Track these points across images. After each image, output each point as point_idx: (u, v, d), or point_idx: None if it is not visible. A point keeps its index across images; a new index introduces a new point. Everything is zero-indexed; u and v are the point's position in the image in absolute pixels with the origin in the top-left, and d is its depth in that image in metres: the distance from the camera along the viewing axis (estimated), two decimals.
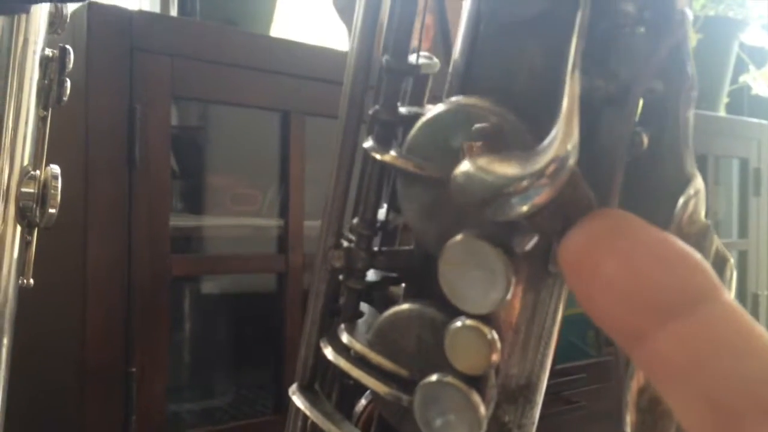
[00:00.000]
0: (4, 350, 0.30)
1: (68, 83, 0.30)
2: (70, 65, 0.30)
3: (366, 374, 0.18)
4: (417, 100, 0.20)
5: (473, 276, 0.16)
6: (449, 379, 0.17)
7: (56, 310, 0.75)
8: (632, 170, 0.16)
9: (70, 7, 0.30)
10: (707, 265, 0.13)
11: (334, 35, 1.16)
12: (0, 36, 0.27)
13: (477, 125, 0.16)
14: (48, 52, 0.29)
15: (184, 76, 0.77)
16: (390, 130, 0.19)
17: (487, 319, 0.17)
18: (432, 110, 0.17)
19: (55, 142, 0.31)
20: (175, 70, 0.77)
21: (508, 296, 0.16)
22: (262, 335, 0.95)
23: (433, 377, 0.17)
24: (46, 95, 0.30)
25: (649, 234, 0.13)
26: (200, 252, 0.98)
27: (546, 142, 0.14)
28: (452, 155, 0.16)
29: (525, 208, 0.14)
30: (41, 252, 0.32)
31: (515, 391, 0.19)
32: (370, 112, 0.19)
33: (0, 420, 0.31)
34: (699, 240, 0.16)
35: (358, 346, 0.19)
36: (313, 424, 0.21)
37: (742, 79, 1.56)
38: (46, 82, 0.29)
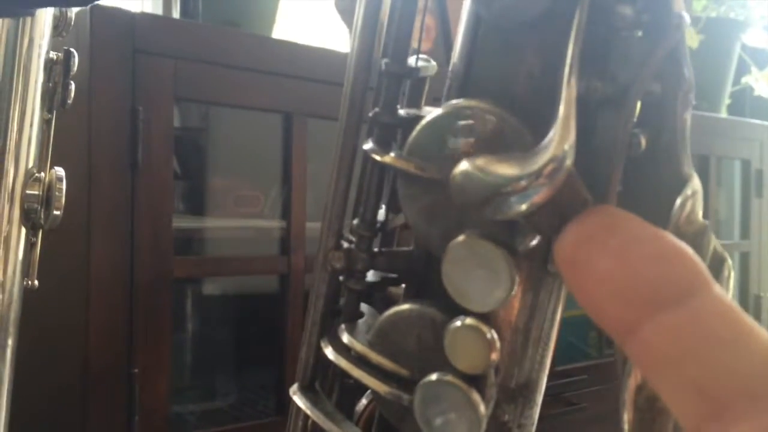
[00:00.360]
0: (9, 351, 0.31)
1: (73, 86, 0.30)
2: (75, 68, 0.30)
3: (366, 374, 0.19)
4: (415, 102, 0.20)
5: (477, 275, 0.16)
6: (449, 378, 0.17)
7: (59, 311, 0.75)
8: (630, 171, 0.16)
9: (75, 10, 0.30)
10: (698, 259, 0.13)
11: (335, 37, 1.16)
12: (5, 39, 0.28)
13: (461, 122, 0.16)
14: (53, 55, 0.30)
15: (186, 78, 0.78)
16: (390, 132, 0.19)
17: (486, 318, 0.17)
18: (432, 112, 0.17)
19: (57, 143, 0.32)
20: (177, 72, 0.77)
21: (512, 294, 0.16)
22: (265, 336, 0.96)
23: (433, 376, 0.17)
24: (51, 98, 0.30)
25: (640, 229, 0.14)
26: (202, 253, 0.98)
27: (543, 142, 0.14)
28: (451, 156, 0.17)
29: (524, 207, 0.14)
30: (44, 253, 0.32)
31: (515, 390, 0.19)
32: (370, 114, 0.19)
33: (6, 419, 0.31)
34: (696, 240, 0.16)
35: (358, 346, 0.19)
36: (314, 423, 0.21)
37: (744, 80, 1.56)
38: (50, 85, 0.30)
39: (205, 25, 0.90)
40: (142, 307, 0.75)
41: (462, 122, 0.16)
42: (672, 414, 0.14)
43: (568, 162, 0.14)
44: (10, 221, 0.29)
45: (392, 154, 0.18)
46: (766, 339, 0.12)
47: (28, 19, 0.28)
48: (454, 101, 0.17)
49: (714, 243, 0.16)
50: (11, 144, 0.29)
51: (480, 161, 0.15)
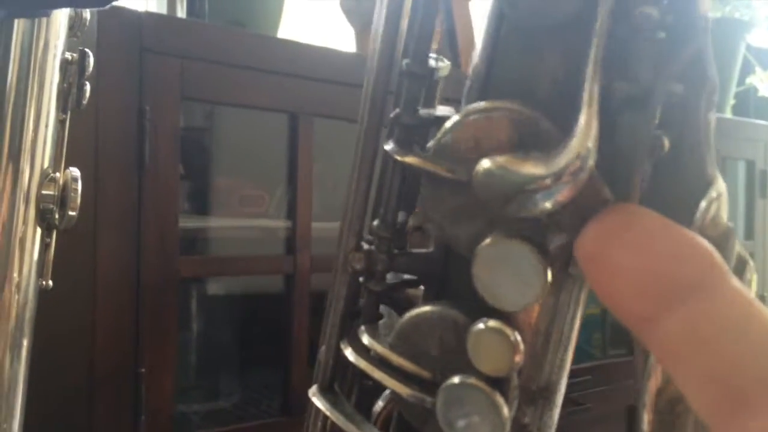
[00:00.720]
0: (24, 350, 0.31)
1: (88, 87, 0.30)
2: (90, 69, 0.30)
3: (388, 376, 0.19)
4: (429, 103, 0.20)
5: (509, 275, 0.16)
6: (472, 380, 0.17)
7: (66, 311, 0.75)
8: (654, 173, 0.16)
9: (90, 11, 0.30)
10: (715, 252, 0.13)
11: (341, 37, 1.16)
12: (21, 39, 0.28)
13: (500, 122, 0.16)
14: (68, 55, 0.30)
15: (193, 78, 0.78)
16: (411, 133, 0.19)
17: (509, 320, 0.17)
18: (462, 112, 0.17)
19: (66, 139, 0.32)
20: (184, 72, 0.77)
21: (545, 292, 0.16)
22: (270, 336, 0.96)
23: (456, 379, 0.17)
24: (66, 98, 0.30)
25: (657, 223, 0.14)
26: (208, 253, 0.98)
27: (566, 142, 0.15)
28: (479, 157, 0.17)
29: (548, 205, 0.14)
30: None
31: (535, 393, 0.19)
32: (391, 115, 0.19)
33: (21, 418, 0.31)
34: (721, 243, 0.16)
35: (379, 348, 0.19)
36: (333, 425, 0.21)
37: (748, 80, 1.56)
38: (65, 85, 0.30)
39: (211, 25, 0.90)
40: (149, 306, 0.75)
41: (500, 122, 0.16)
42: (692, 410, 0.14)
43: (591, 161, 0.14)
44: (25, 221, 0.29)
45: (418, 155, 0.18)
46: None
47: (44, 20, 0.28)
48: (482, 103, 0.17)
49: (738, 246, 0.16)
50: (27, 144, 0.29)
51: (502, 159, 0.15)
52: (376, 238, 0.20)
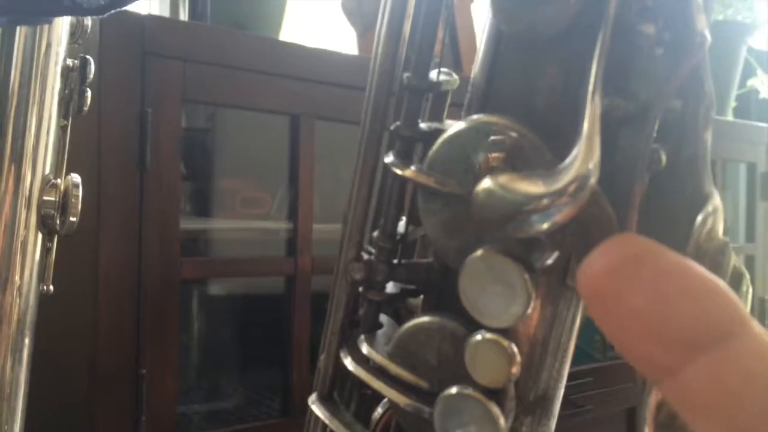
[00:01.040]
0: (26, 353, 0.31)
1: (89, 93, 0.30)
2: (91, 75, 0.30)
3: (386, 385, 0.19)
4: (436, 115, 0.21)
5: (494, 290, 0.16)
6: (469, 391, 0.17)
7: (68, 313, 0.75)
8: (651, 187, 0.16)
9: (91, 18, 0.30)
10: (735, 297, 0.13)
11: (343, 39, 1.16)
12: (23, 46, 0.28)
13: (492, 137, 0.16)
14: (69, 62, 0.30)
15: (194, 80, 0.78)
16: (411, 146, 0.19)
17: (506, 332, 0.17)
18: (453, 127, 0.17)
19: (68, 146, 0.32)
20: (186, 74, 0.77)
21: (529, 310, 0.16)
22: (271, 338, 0.96)
23: (453, 389, 0.17)
24: (67, 105, 0.30)
25: (672, 262, 0.13)
26: (209, 255, 0.98)
27: (567, 161, 0.15)
28: (472, 172, 0.17)
29: (546, 226, 0.14)
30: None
31: (533, 402, 0.19)
32: (391, 127, 0.20)
33: (22, 421, 0.31)
34: (717, 257, 0.16)
35: (378, 358, 0.19)
36: None
37: (750, 83, 1.56)
38: (66, 91, 0.30)
39: (214, 27, 0.90)
40: (150, 308, 0.76)
41: (493, 137, 0.16)
42: None
43: (593, 180, 0.14)
44: (27, 227, 0.29)
45: (412, 168, 0.18)
46: None
47: (45, 27, 0.29)
48: (475, 116, 0.17)
49: (734, 260, 0.16)
50: (28, 150, 0.29)
51: (503, 178, 0.15)
52: (376, 248, 0.20)
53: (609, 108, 0.16)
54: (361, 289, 0.21)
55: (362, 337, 0.20)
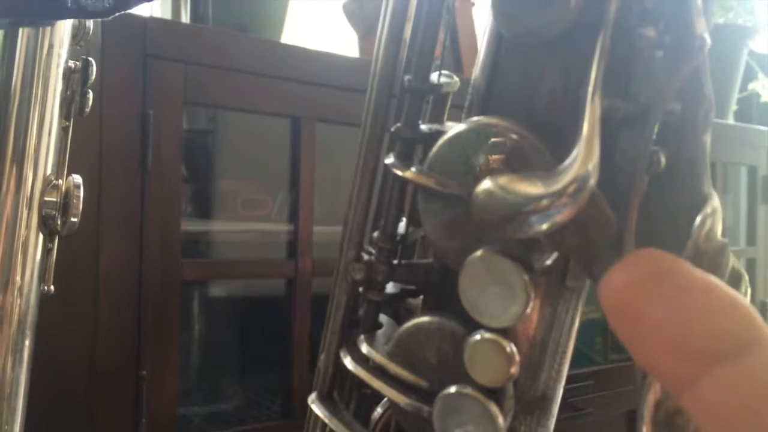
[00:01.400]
0: (26, 353, 0.31)
1: (90, 95, 0.30)
2: (93, 77, 0.30)
3: (386, 385, 0.19)
4: (437, 117, 0.21)
5: (493, 291, 0.16)
6: (468, 390, 0.17)
7: (68, 313, 0.76)
8: (650, 189, 0.16)
9: (93, 20, 0.30)
10: (753, 310, 0.13)
11: (344, 41, 1.16)
12: (25, 47, 0.28)
13: (493, 139, 0.17)
14: (71, 63, 0.30)
15: (196, 83, 0.78)
16: (411, 147, 0.19)
17: (505, 332, 0.17)
18: (453, 129, 0.17)
19: (69, 147, 0.32)
20: (187, 77, 0.77)
21: (528, 311, 0.16)
22: (271, 339, 0.96)
23: (452, 389, 0.18)
24: (69, 106, 0.30)
25: (693, 278, 0.13)
26: (210, 256, 0.99)
27: (567, 162, 0.15)
28: (472, 173, 0.17)
29: (545, 227, 0.15)
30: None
31: (532, 402, 0.19)
32: (392, 129, 0.20)
33: (22, 421, 0.31)
34: (715, 258, 0.16)
35: (377, 357, 0.19)
36: None
37: (751, 86, 1.56)
38: (68, 93, 0.30)
39: (215, 30, 0.90)
40: (151, 309, 0.76)
41: (494, 139, 0.16)
42: None
43: (592, 182, 0.14)
44: (28, 227, 0.29)
45: (413, 169, 0.18)
46: None
47: (48, 29, 0.29)
48: (475, 118, 0.17)
49: (732, 261, 0.16)
50: (30, 151, 0.29)
51: (503, 180, 0.15)
52: (377, 249, 0.20)
53: (609, 110, 0.16)
54: (361, 289, 0.21)
55: (362, 336, 0.20)
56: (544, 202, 0.14)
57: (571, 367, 0.20)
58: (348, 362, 0.20)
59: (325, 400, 0.21)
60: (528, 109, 0.17)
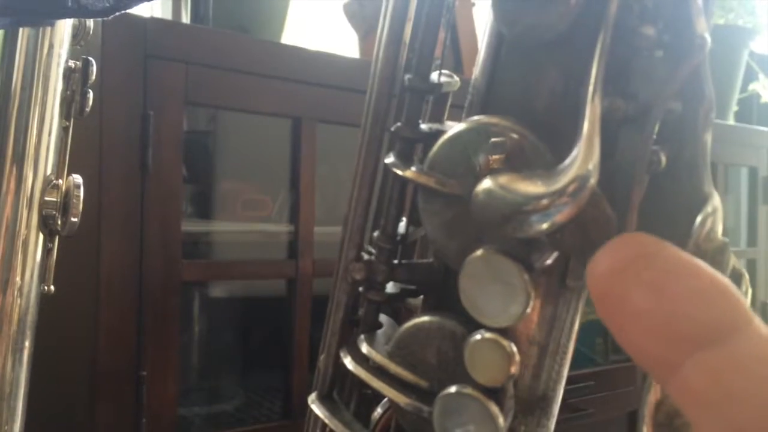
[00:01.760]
0: (26, 353, 0.31)
1: (91, 94, 0.30)
2: (93, 77, 0.30)
3: (386, 384, 0.19)
4: (437, 117, 0.21)
5: (493, 290, 0.16)
6: (468, 390, 0.17)
7: (69, 314, 0.76)
8: (650, 188, 0.16)
9: (93, 20, 0.30)
10: (739, 294, 0.13)
11: (344, 42, 1.16)
12: (25, 47, 0.28)
13: (493, 139, 0.17)
14: (71, 63, 0.30)
15: (196, 83, 0.78)
16: (411, 147, 0.19)
17: (506, 332, 0.17)
18: (453, 128, 0.17)
19: (70, 147, 0.32)
20: (188, 77, 0.77)
21: (528, 310, 0.16)
22: (271, 340, 0.96)
23: (453, 388, 0.17)
24: (69, 106, 0.30)
25: (678, 261, 0.13)
26: (210, 257, 0.98)
27: (567, 161, 0.15)
28: (472, 172, 0.17)
29: (545, 226, 0.14)
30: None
31: (532, 402, 0.19)
32: (392, 128, 0.20)
33: (22, 421, 0.31)
34: (716, 257, 0.16)
35: (377, 357, 0.19)
36: None
37: (751, 87, 1.56)
38: (68, 93, 0.30)
39: (216, 30, 0.90)
40: (151, 309, 0.76)
41: (494, 139, 0.16)
42: None
43: (592, 181, 0.14)
44: (28, 227, 0.29)
45: (413, 169, 0.18)
46: None
47: (48, 29, 0.29)
48: (476, 117, 0.17)
49: (733, 260, 0.16)
50: (30, 150, 0.29)
51: (503, 179, 0.15)
52: (377, 249, 0.20)
53: (609, 109, 0.16)
54: (361, 289, 0.21)
55: (362, 336, 0.20)
56: (545, 201, 0.14)
57: (572, 368, 0.20)
58: (348, 362, 0.20)
59: (325, 400, 0.21)
60: (528, 108, 0.17)
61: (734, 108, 1.51)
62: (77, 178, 0.30)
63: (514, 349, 0.17)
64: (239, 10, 0.94)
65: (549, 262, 0.17)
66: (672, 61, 0.15)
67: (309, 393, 0.22)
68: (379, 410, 0.22)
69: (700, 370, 0.12)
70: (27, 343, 0.31)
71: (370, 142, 0.20)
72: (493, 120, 0.17)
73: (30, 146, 0.29)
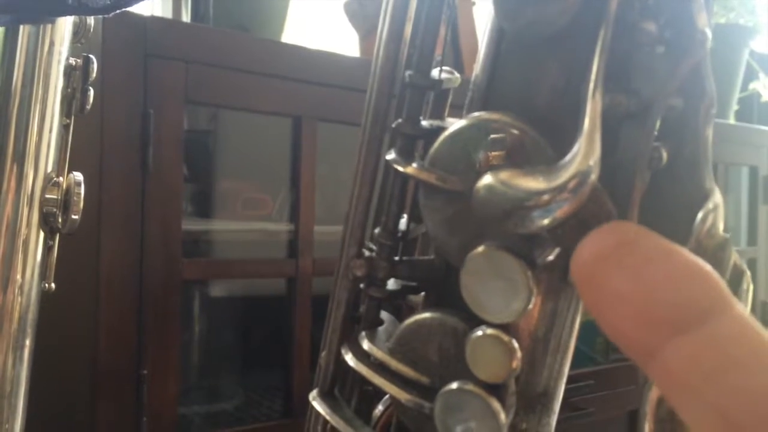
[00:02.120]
0: (27, 351, 0.31)
1: (91, 92, 0.30)
2: (94, 74, 0.30)
3: (387, 381, 0.19)
4: (438, 113, 0.21)
5: (495, 286, 0.16)
6: (470, 386, 0.17)
7: (69, 313, 0.76)
8: (652, 184, 0.16)
9: (94, 18, 0.30)
10: (718, 277, 0.13)
11: (345, 41, 1.16)
12: (26, 44, 0.28)
13: (493, 135, 0.17)
14: (72, 61, 0.30)
15: (197, 82, 0.78)
16: (412, 143, 0.19)
17: (507, 328, 0.17)
18: (454, 124, 0.17)
19: (70, 145, 0.32)
20: (188, 76, 0.77)
21: (530, 306, 0.16)
22: (272, 339, 0.96)
23: (454, 385, 0.17)
24: (69, 103, 0.30)
25: (658, 247, 0.13)
26: (211, 256, 0.98)
27: (568, 157, 0.15)
28: (473, 168, 0.17)
29: (546, 222, 0.15)
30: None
31: (533, 399, 0.19)
32: (393, 125, 0.20)
33: (23, 419, 0.31)
34: (717, 253, 0.16)
35: (378, 354, 0.19)
36: (333, 429, 0.21)
37: (752, 86, 1.56)
38: (69, 90, 0.30)
39: (216, 29, 0.90)
40: (151, 308, 0.76)
41: (494, 135, 0.16)
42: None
43: (593, 177, 0.14)
44: (29, 224, 0.29)
45: (414, 165, 0.18)
46: None
47: (49, 26, 0.29)
48: (476, 113, 0.17)
49: (734, 257, 0.16)
50: (31, 148, 0.29)
51: (504, 175, 0.15)
52: (378, 245, 0.20)
53: (610, 105, 0.16)
54: (362, 285, 0.21)
55: (363, 333, 0.20)
56: (546, 197, 0.14)
57: (573, 367, 0.20)
58: (349, 359, 0.20)
59: (326, 396, 0.21)
60: (529, 104, 0.17)
61: (735, 107, 1.51)
62: (78, 176, 0.30)
63: (516, 345, 0.17)
64: (239, 9, 0.94)
65: (551, 258, 0.17)
66: (673, 57, 0.15)
67: (309, 392, 0.22)
68: (380, 407, 0.22)
69: (679, 354, 0.12)
70: (27, 342, 0.31)
71: (370, 141, 0.20)
72: (494, 116, 0.17)
73: (31, 144, 0.29)
